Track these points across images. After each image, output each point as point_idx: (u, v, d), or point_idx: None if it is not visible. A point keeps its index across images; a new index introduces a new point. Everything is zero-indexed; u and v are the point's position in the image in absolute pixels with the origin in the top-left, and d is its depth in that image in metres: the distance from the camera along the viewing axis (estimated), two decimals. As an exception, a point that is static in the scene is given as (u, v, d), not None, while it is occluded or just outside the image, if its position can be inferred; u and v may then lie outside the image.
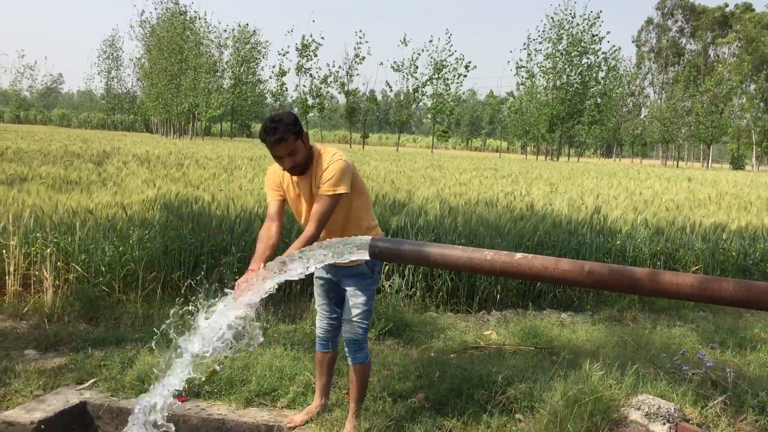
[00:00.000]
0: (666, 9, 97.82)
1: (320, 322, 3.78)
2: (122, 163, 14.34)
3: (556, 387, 3.97)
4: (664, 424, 3.64)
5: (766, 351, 5.16)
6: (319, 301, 3.78)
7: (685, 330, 5.82)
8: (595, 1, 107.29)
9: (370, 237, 2.49)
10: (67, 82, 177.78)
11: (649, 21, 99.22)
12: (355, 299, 3.56)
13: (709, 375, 4.19)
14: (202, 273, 6.01)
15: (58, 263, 5.67)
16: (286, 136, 3.22)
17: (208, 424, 3.72)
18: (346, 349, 3.62)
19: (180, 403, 3.81)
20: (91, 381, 4.08)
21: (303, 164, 3.33)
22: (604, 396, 3.89)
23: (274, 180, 3.55)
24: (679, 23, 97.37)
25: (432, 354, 4.79)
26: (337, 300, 3.73)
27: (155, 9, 64.74)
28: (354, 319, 3.56)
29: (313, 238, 3.18)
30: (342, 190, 3.30)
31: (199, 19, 64.62)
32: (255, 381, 4.08)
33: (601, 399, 3.84)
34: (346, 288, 3.59)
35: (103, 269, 5.69)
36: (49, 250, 5.60)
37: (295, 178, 3.46)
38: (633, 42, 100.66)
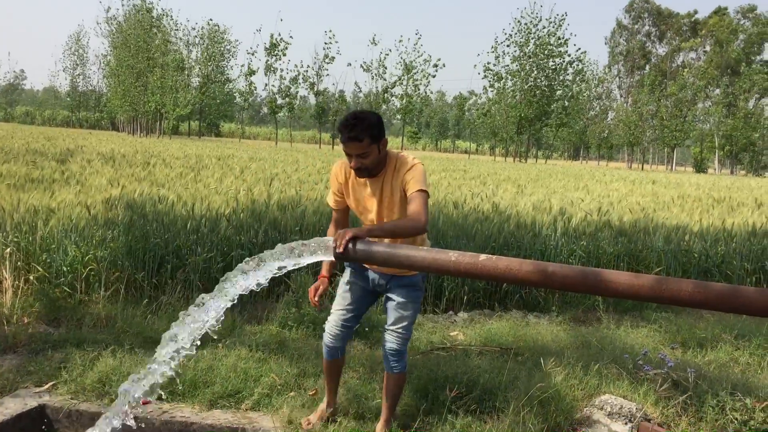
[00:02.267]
0: (634, 12, 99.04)
1: (333, 328, 3.60)
2: (86, 162, 14.10)
3: (520, 387, 4.00)
4: (626, 423, 3.69)
5: (725, 351, 5.26)
6: (341, 305, 3.60)
7: (648, 330, 5.91)
8: (571, 1, 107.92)
9: (332, 239, 2.48)
10: (29, 79, 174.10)
11: (619, 24, 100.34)
12: (404, 311, 3.50)
13: (670, 375, 4.26)
14: (167, 273, 5.96)
15: (18, 263, 5.55)
16: (362, 136, 3.11)
17: (170, 427, 3.67)
18: (386, 358, 3.56)
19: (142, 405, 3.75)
20: (51, 384, 4.00)
21: (371, 169, 3.23)
22: (568, 396, 3.94)
23: (336, 181, 3.49)
24: (647, 27, 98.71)
25: (398, 355, 4.79)
26: (363, 309, 3.67)
27: (122, 6, 63.83)
28: (400, 329, 3.50)
29: (423, 228, 3.06)
30: (427, 188, 3.22)
31: (167, 16, 64.03)
32: (219, 383, 4.04)
33: (564, 399, 3.88)
34: (394, 298, 3.51)
35: (65, 269, 5.58)
36: (8, 249, 5.49)
37: (362, 179, 3.37)
38: (606, 43, 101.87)
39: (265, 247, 6.11)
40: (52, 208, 6.48)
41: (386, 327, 3.55)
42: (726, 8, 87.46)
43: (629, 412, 3.76)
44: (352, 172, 3.34)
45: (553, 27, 59.26)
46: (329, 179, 3.50)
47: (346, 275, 3.64)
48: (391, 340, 3.52)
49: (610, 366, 4.50)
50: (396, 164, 3.30)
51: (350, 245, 2.47)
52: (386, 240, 3.01)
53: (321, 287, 3.63)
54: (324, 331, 3.66)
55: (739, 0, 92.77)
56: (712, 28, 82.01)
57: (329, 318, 3.64)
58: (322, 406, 3.78)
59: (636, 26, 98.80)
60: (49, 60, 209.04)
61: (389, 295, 3.54)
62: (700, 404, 3.92)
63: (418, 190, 3.15)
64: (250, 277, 2.42)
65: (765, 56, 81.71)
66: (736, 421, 3.74)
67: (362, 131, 3.10)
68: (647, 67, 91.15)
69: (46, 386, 3.97)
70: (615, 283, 1.97)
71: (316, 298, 3.61)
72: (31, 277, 5.49)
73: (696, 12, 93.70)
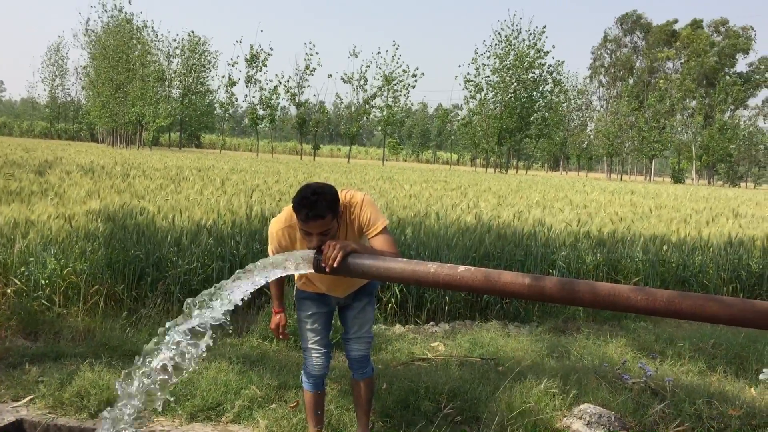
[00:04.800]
0: (626, 25, 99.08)
1: (318, 360, 3.50)
2: (65, 174, 13.98)
3: (501, 398, 4.03)
4: (604, 432, 3.72)
5: (703, 360, 5.32)
6: (313, 338, 3.49)
7: (627, 340, 5.96)
8: (558, 12, 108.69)
9: (314, 250, 2.48)
10: (8, 89, 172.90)
11: (606, 38, 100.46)
12: (366, 315, 3.52)
13: (648, 384, 4.31)
14: (147, 285, 5.92)
15: (-4, 276, 5.49)
16: (325, 213, 2.80)
17: (150, 441, 3.64)
18: (354, 366, 3.55)
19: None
20: (28, 398, 3.96)
21: None
22: (548, 406, 3.96)
23: (279, 244, 3.24)
24: (634, 42, 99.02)
25: (379, 366, 4.80)
26: (329, 330, 3.61)
27: (99, 18, 63.23)
28: (365, 334, 3.52)
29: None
30: (386, 220, 3.18)
31: (146, 27, 63.77)
32: (199, 395, 4.02)
33: (544, 409, 3.91)
34: (354, 306, 3.50)
35: (43, 282, 5.54)
36: (-15, 262, 5.43)
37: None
38: (591, 53, 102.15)
39: (246, 260, 6.11)
40: (32, 221, 6.42)
41: (350, 336, 3.53)
42: (701, 20, 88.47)
43: (608, 420, 3.79)
44: (297, 232, 3.13)
45: (533, 39, 59.87)
46: (268, 235, 3.31)
47: (305, 308, 3.51)
48: (358, 348, 3.52)
49: (590, 375, 4.53)
50: (348, 210, 3.19)
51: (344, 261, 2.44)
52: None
53: (282, 322, 3.64)
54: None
55: (713, 14, 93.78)
56: (686, 39, 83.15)
57: (308, 354, 3.53)
58: None
59: (626, 38, 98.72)
60: (28, 70, 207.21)
61: (352, 303, 3.53)
62: (678, 412, 3.96)
63: (381, 230, 3.12)
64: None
65: (738, 68, 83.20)
66: (713, 429, 3.79)
67: (325, 207, 2.81)
68: (630, 79, 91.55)
69: (24, 400, 3.93)
70: (595, 294, 2.00)
71: (282, 335, 3.67)
72: (9, 291, 5.43)
73: (676, 21, 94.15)
